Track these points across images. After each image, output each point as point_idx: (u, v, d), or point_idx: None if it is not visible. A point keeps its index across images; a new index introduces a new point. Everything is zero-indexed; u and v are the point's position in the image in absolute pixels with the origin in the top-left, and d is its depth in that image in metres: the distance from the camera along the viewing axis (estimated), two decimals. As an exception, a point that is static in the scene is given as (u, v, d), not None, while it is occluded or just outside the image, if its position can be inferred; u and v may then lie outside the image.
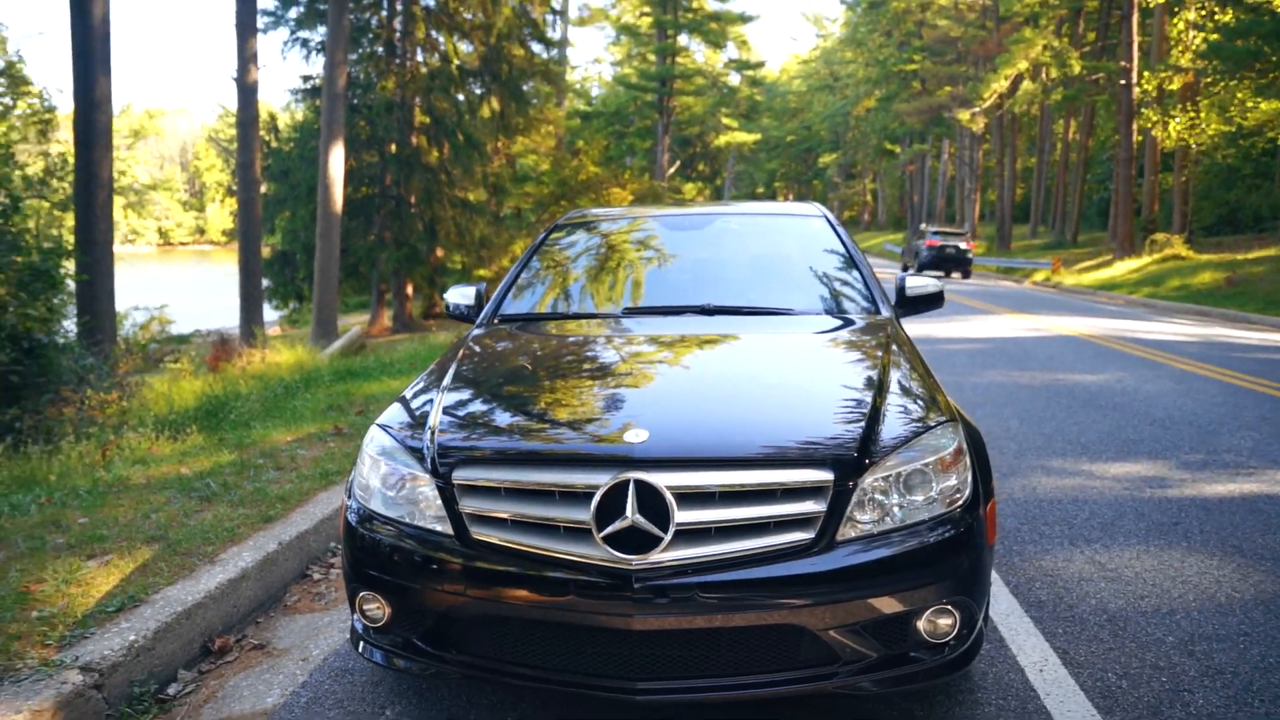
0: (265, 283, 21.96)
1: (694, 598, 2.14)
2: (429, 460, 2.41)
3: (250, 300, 18.14)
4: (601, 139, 33.67)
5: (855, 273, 3.68)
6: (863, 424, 2.38)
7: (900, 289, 3.70)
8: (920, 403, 2.59)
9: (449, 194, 23.58)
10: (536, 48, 28.39)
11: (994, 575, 3.60)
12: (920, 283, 3.71)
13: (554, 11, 27.56)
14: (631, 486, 2.18)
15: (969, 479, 2.39)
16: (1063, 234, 39.48)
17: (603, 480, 2.20)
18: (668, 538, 2.15)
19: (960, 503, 2.34)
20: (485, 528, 2.30)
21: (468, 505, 2.33)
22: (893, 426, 2.41)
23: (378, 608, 2.46)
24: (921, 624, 2.28)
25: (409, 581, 2.35)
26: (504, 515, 2.28)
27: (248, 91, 18.32)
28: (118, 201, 36.05)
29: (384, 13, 22.46)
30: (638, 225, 4.10)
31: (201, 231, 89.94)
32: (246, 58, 18.05)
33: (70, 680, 2.68)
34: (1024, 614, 3.28)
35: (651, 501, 2.17)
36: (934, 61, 41.31)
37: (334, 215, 17.90)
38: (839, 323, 3.35)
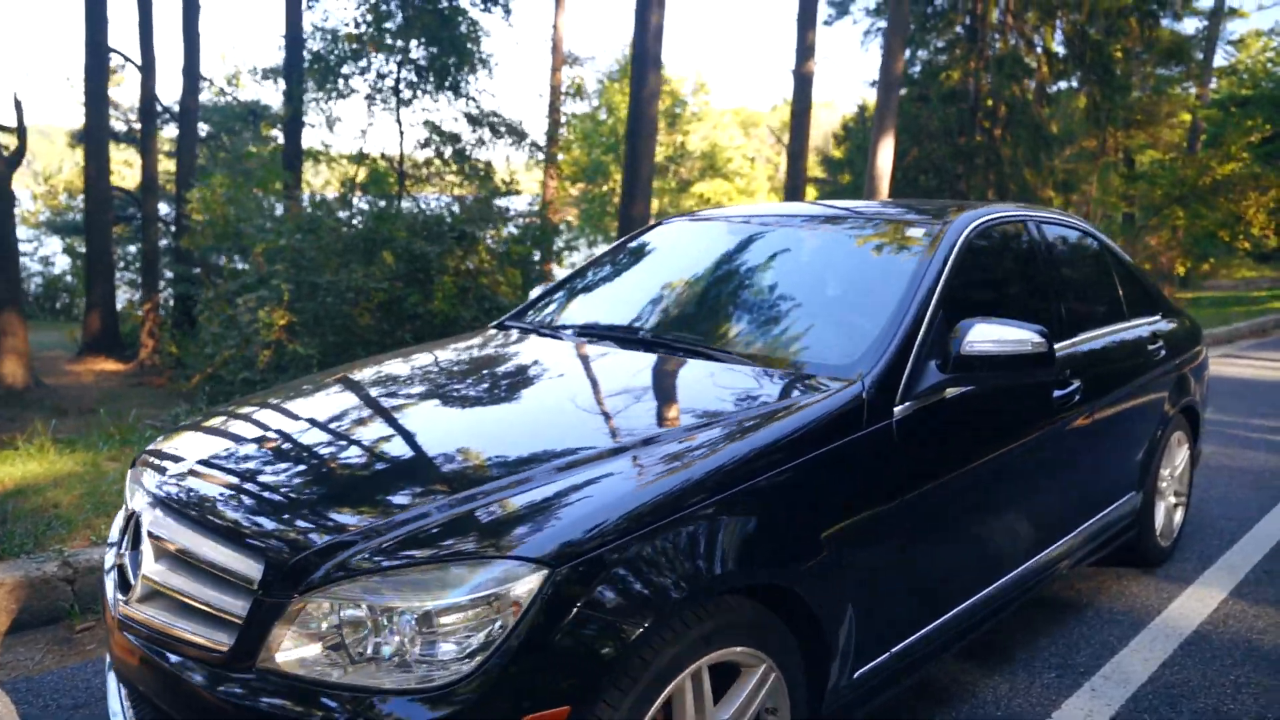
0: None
1: (138, 672, 1.79)
2: None
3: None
4: (1241, 133, 27.32)
5: (890, 316, 2.37)
6: (399, 518, 1.66)
7: (957, 345, 2.28)
8: (530, 523, 1.62)
9: (1012, 189, 21.67)
10: (1166, 22, 24.49)
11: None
12: (994, 334, 2.25)
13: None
14: (132, 521, 1.94)
15: (494, 652, 1.49)
16: None
17: (134, 509, 2.00)
18: (137, 590, 1.86)
19: (447, 680, 1.49)
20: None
21: None
22: (436, 536, 1.61)
23: None
24: None
25: None
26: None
27: (803, 82, 19.09)
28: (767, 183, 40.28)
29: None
30: (719, 229, 3.27)
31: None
32: (805, 50, 18.76)
33: (46, 570, 3.23)
34: None
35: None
36: None
37: (872, 207, 17.76)
38: (754, 385, 2.25)
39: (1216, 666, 2.94)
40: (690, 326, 2.75)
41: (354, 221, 10.30)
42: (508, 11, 15.13)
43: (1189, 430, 3.97)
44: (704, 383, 2.30)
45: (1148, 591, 3.54)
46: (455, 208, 12.98)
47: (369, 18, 15.15)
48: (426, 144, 15.68)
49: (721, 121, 38.80)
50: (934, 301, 2.38)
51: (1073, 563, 3.09)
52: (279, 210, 12.43)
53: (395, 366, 2.67)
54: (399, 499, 1.75)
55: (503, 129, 15.74)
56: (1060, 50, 21.79)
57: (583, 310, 3.10)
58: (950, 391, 2.31)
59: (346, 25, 15.02)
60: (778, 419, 1.98)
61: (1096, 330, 3.21)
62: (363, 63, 15.69)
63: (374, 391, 2.43)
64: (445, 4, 14.72)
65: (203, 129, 22.19)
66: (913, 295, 2.38)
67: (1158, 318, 3.78)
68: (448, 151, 15.95)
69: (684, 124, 35.15)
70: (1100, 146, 27.19)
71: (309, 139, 17.41)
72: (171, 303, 18.18)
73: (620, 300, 3.12)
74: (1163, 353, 3.60)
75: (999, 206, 3.01)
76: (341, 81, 16.14)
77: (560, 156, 23.63)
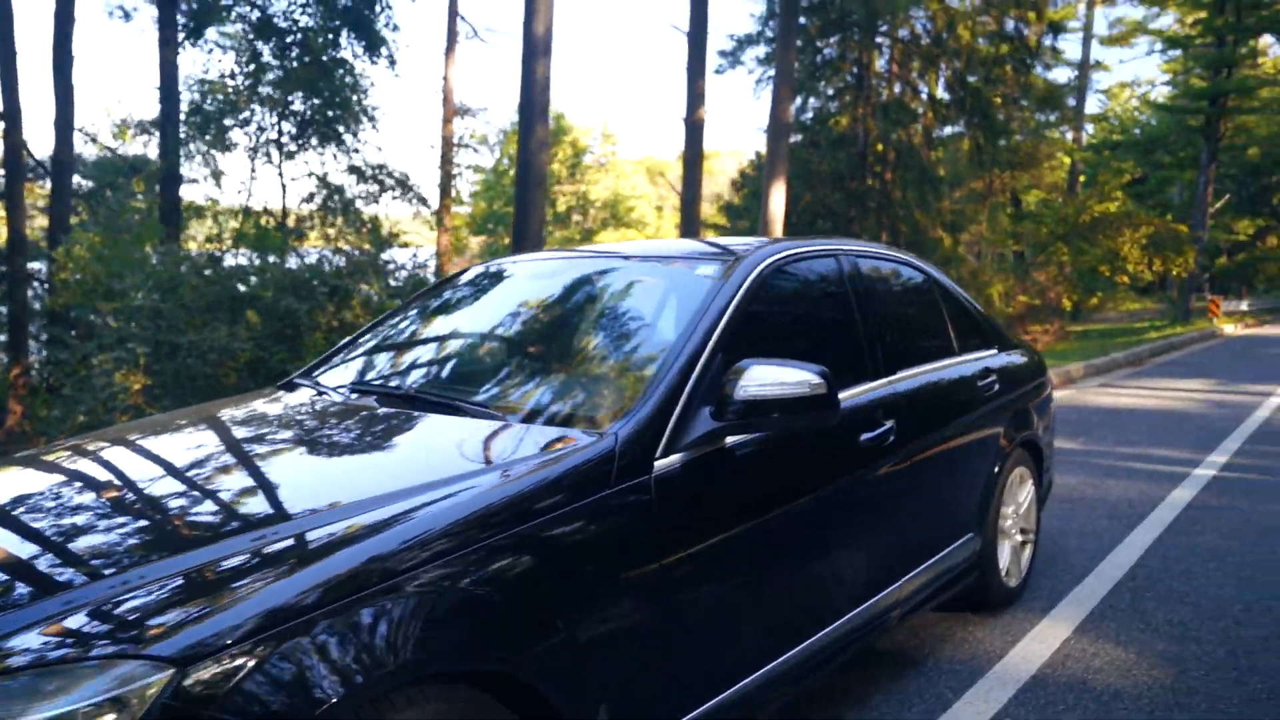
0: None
1: None
2: None
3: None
4: (1113, 174, 28.80)
5: (660, 362, 2.19)
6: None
7: (730, 390, 2.10)
8: (166, 615, 1.38)
9: (903, 231, 22.29)
10: (1040, 71, 25.76)
11: None
12: (771, 376, 2.07)
13: (1055, 30, 24.44)
14: None
15: None
16: None
17: None
18: None
19: None
20: None
21: None
22: (53, 634, 1.37)
23: None
24: None
25: None
26: None
27: (694, 130, 19.29)
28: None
29: (851, 46, 22.00)
30: (522, 272, 3.08)
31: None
32: (695, 97, 19.03)
33: None
34: None
35: None
36: None
37: (767, 251, 17.98)
38: (496, 443, 2.05)
39: (1049, 713, 2.82)
40: (463, 379, 2.56)
41: (234, 278, 9.89)
42: (393, 63, 14.94)
43: (1033, 465, 3.91)
44: (441, 442, 2.10)
45: (992, 636, 3.43)
46: (340, 261, 12.60)
47: (249, 67, 14.78)
48: (310, 198, 15.27)
49: (624, 171, 39.11)
50: (711, 344, 2.23)
51: (904, 612, 2.95)
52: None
53: (136, 432, 2.40)
54: (27, 592, 1.49)
55: (389, 181, 15.45)
56: (945, 96, 22.60)
57: (365, 364, 2.86)
58: (731, 440, 2.15)
59: (224, 77, 14.60)
60: (506, 481, 1.79)
61: (918, 368, 3.11)
62: (244, 115, 15.27)
63: (91, 463, 2.15)
64: (326, 57, 14.43)
65: (87, 184, 21.35)
66: (687, 338, 2.22)
67: (993, 352, 3.73)
68: (334, 204, 15.57)
69: (587, 174, 35.34)
70: (988, 188, 28.31)
71: (197, 193, 16.85)
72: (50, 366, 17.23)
73: (404, 353, 2.89)
74: (996, 387, 3.54)
75: (807, 241, 2.90)
76: (221, 135, 15.68)
77: (462, 208, 23.35)
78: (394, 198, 15.51)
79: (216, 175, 17.19)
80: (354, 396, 2.51)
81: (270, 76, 14.75)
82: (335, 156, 15.24)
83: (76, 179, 22.77)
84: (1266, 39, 31.81)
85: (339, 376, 2.78)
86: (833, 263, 2.92)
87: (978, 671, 3.11)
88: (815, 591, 2.50)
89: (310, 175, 15.18)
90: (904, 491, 2.85)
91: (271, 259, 12.54)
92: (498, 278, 3.13)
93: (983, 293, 23.59)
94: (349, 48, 14.95)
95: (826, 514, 2.50)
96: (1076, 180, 33.25)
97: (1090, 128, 41.09)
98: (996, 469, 3.50)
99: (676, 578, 1.97)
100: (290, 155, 15.56)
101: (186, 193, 19.76)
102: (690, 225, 20.17)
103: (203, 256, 10.05)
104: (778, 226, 17.98)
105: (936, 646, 3.34)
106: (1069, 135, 32.78)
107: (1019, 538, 3.81)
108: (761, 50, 23.45)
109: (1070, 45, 35.27)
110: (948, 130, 25.00)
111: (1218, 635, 3.44)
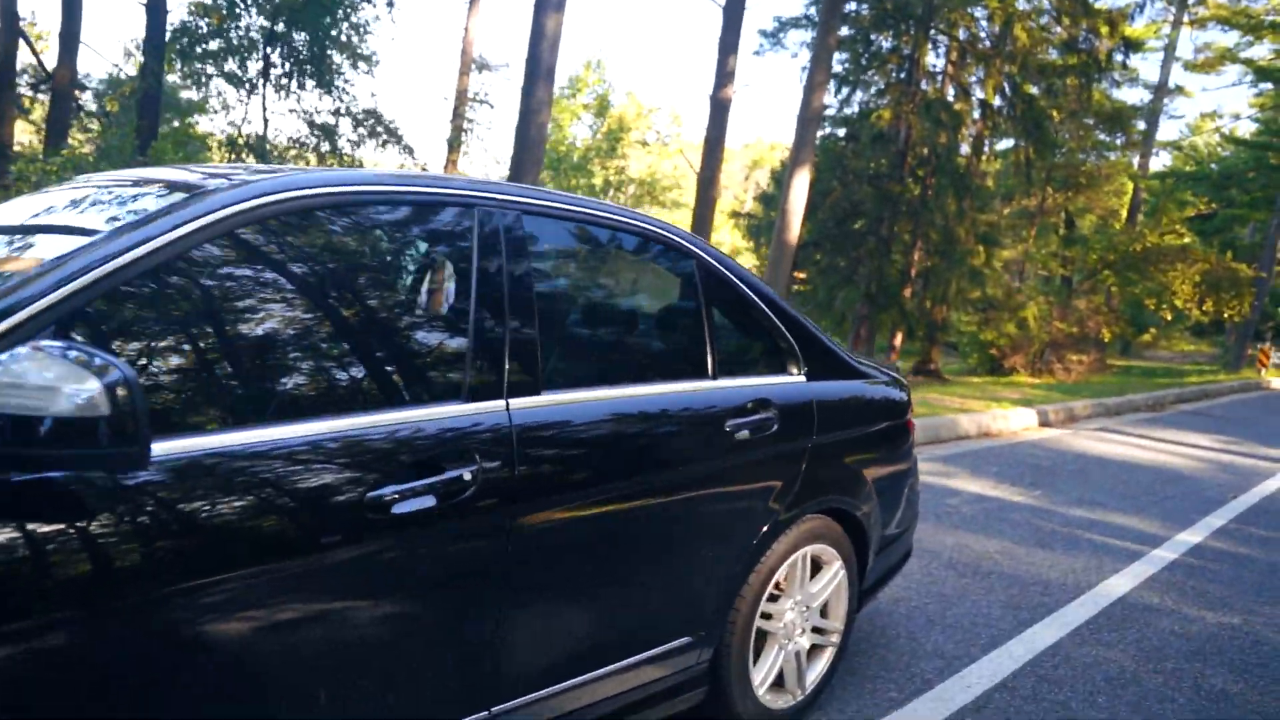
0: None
1: None
2: None
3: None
4: (1176, 207, 26.76)
5: None
6: None
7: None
8: None
9: (934, 240, 20.97)
10: (1108, 89, 24.13)
11: None
12: (27, 375, 1.13)
13: (1129, 47, 22.66)
14: None
15: None
16: None
17: None
18: None
19: None
20: None
21: None
22: None
23: None
24: None
25: None
26: None
27: (719, 109, 18.28)
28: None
29: (905, 39, 20.63)
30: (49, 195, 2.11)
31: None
32: (724, 76, 18.01)
33: None
34: None
35: None
36: None
37: (787, 245, 17.18)
38: None
39: None
40: None
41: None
42: (390, 4, 14.07)
43: (845, 543, 2.82)
44: None
45: (713, 782, 2.41)
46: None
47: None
48: (298, 140, 14.53)
49: (668, 151, 37.94)
50: (30, 313, 1.27)
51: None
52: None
53: None
54: None
55: (377, 128, 14.62)
56: (998, 103, 21.10)
57: None
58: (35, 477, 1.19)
59: (209, -1, 13.88)
60: None
61: (590, 392, 2.07)
62: (231, 42, 14.56)
63: None
64: (319, -11, 13.62)
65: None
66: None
67: (789, 379, 2.64)
68: (318, 142, 14.81)
69: (648, 149, 34.69)
70: (1040, 205, 26.81)
71: (206, 121, 16.30)
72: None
73: None
74: (773, 428, 2.47)
75: (411, 177, 1.87)
76: (215, 60, 15.01)
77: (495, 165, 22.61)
78: (379, 145, 14.69)
79: (199, 105, 16.57)
80: None
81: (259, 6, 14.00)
82: (321, 97, 14.46)
83: (90, 95, 22.48)
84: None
85: None
86: (454, 216, 1.88)
87: None
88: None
89: (291, 112, 14.43)
90: (504, 573, 1.82)
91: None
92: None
93: (1016, 314, 22.27)
94: (344, -18, 14.14)
95: (277, 613, 1.48)
96: (1139, 208, 31.33)
97: (1168, 157, 38.96)
98: (757, 543, 2.45)
99: None
100: (280, 89, 14.81)
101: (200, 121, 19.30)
102: (705, 206, 19.22)
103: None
104: (796, 217, 17.15)
105: (619, 792, 2.32)
106: (1136, 160, 30.87)
107: (805, 641, 2.73)
108: (807, 34, 22.16)
109: (1149, 66, 33.28)
110: (1005, 143, 23.54)
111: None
